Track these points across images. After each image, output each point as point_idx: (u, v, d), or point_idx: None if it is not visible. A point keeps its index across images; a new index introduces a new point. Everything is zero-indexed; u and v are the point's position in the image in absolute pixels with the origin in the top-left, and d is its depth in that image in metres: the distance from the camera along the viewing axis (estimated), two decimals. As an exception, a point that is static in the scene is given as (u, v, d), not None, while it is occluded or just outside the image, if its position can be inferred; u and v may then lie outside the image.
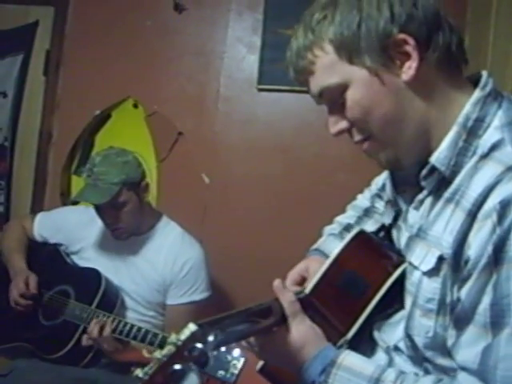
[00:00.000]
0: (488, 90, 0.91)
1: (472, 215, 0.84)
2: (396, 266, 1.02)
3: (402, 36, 0.88)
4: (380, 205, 1.30)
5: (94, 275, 2.03)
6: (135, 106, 2.79)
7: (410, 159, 0.97)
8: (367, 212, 1.32)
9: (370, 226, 1.25)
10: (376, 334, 1.05)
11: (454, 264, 0.86)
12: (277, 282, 1.05)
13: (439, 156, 0.91)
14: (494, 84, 0.93)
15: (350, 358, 0.96)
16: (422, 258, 0.94)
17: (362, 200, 1.37)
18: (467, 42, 2.00)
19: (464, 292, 0.84)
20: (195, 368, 0.78)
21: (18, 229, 2.28)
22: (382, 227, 1.19)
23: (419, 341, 0.94)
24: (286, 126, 2.63)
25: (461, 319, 0.85)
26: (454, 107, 0.92)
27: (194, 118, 2.72)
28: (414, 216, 1.00)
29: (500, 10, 1.92)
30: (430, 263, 0.91)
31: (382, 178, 1.30)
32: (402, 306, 1.01)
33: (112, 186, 1.95)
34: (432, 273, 0.91)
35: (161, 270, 2.06)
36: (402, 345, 0.99)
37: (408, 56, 0.89)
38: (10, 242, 2.23)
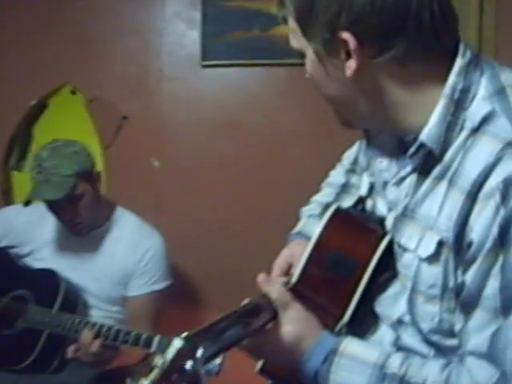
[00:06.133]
0: (468, 56, 0.87)
1: (472, 196, 0.81)
2: (380, 238, 0.99)
3: (344, 35, 0.82)
4: (355, 179, 1.27)
5: (51, 276, 1.95)
6: (73, 92, 2.68)
7: (365, 126, 1.01)
8: (344, 187, 1.29)
9: (349, 202, 1.22)
10: (377, 309, 1.03)
11: (456, 247, 0.83)
12: (261, 277, 1.01)
13: (429, 133, 0.86)
14: (472, 51, 0.89)
15: (352, 346, 0.94)
16: (416, 242, 0.90)
17: (337, 176, 1.34)
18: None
19: (469, 276, 0.82)
20: None
21: None
22: (359, 200, 1.16)
23: (425, 327, 0.92)
24: (234, 102, 2.59)
25: (468, 304, 0.83)
26: (427, 96, 0.87)
27: (137, 101, 2.64)
28: (393, 192, 0.98)
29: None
30: (429, 249, 0.87)
31: (354, 151, 1.28)
32: (393, 273, 0.99)
33: (67, 179, 1.87)
34: (432, 258, 0.87)
35: (121, 263, 2.01)
36: (406, 319, 0.96)
37: (350, 55, 0.84)
38: None
